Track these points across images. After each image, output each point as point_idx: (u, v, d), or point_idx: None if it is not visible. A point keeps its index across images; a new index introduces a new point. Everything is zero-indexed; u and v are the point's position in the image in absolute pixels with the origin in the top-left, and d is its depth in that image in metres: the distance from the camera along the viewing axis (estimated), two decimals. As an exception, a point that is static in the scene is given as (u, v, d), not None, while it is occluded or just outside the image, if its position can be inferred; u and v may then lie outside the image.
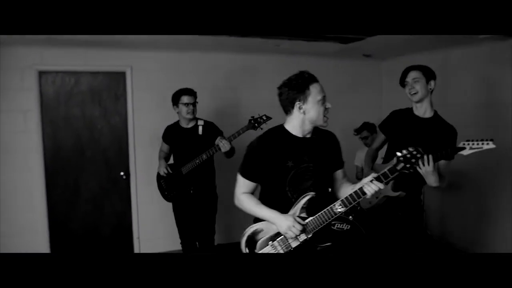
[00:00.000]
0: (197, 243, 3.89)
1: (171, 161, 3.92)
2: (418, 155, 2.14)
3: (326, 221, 2.14)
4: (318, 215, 2.15)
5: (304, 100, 2.17)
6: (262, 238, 2.24)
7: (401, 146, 2.96)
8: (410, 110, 3.10)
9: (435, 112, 3.02)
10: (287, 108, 2.22)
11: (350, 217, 4.06)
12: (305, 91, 2.18)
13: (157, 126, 4.52)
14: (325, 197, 2.25)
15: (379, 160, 3.36)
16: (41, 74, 4.33)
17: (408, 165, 2.10)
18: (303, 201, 2.16)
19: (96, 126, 4.56)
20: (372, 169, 3.17)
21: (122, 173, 4.65)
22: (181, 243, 3.92)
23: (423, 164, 2.58)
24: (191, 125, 3.75)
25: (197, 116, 3.77)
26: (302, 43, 4.28)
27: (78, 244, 4.57)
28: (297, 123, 2.22)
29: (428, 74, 3.00)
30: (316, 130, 2.30)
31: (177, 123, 3.85)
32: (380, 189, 2.08)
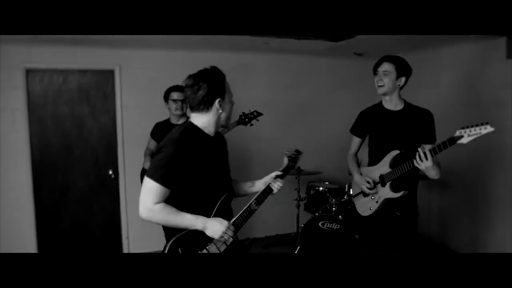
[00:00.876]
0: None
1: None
2: (298, 155, 2.54)
3: (247, 219, 2.21)
4: (240, 214, 2.19)
5: (223, 98, 2.11)
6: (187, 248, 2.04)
7: (382, 143, 2.97)
8: (379, 105, 3.07)
9: (405, 103, 2.99)
10: (204, 105, 2.07)
11: (340, 216, 4.04)
12: (224, 87, 2.12)
13: (146, 125, 4.48)
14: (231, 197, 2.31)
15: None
16: (29, 72, 4.28)
17: (293, 163, 2.50)
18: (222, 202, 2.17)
19: (85, 125, 4.52)
20: (361, 174, 3.12)
21: (111, 172, 4.61)
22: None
23: (421, 160, 2.57)
24: (181, 121, 3.74)
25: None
26: (292, 41, 4.25)
27: (67, 244, 4.54)
28: (212, 121, 2.12)
29: (401, 69, 2.92)
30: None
31: (167, 120, 3.85)
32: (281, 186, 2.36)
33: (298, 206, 4.74)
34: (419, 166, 2.62)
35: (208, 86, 2.05)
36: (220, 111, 2.10)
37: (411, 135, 2.88)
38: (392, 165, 2.85)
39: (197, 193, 2.08)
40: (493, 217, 4.17)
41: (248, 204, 2.23)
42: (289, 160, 2.49)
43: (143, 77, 4.63)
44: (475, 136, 2.45)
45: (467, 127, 2.45)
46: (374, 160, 3.05)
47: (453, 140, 2.49)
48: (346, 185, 4.33)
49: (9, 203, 4.29)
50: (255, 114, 3.59)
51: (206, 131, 2.13)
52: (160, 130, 3.82)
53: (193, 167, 2.01)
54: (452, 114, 4.21)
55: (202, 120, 2.11)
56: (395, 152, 2.85)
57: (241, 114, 3.58)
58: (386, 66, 2.90)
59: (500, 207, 4.09)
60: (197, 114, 2.12)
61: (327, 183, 4.77)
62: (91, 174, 4.58)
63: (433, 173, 2.69)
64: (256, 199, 2.28)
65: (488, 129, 2.41)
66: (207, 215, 2.07)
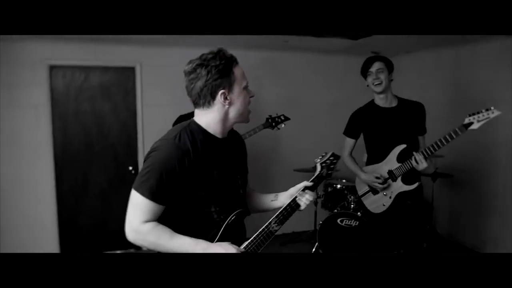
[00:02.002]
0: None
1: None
2: (335, 160, 2.03)
3: (265, 242, 1.75)
4: (255, 237, 1.74)
5: (230, 89, 1.65)
6: None
7: (383, 140, 3.03)
8: (372, 104, 3.14)
9: (398, 98, 3.09)
10: (204, 99, 1.65)
11: (359, 213, 4.04)
12: (230, 75, 1.64)
13: (165, 122, 4.52)
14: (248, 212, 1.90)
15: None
16: (52, 68, 4.37)
17: (330, 171, 2.02)
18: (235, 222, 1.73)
19: (106, 121, 4.59)
20: (364, 171, 3.20)
21: (130, 168, 4.67)
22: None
23: (417, 163, 2.67)
24: None
25: None
26: (311, 39, 4.29)
27: (86, 239, 4.60)
28: (217, 119, 1.68)
29: (390, 66, 3.05)
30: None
31: (192, 113, 3.85)
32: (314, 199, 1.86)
33: (315, 204, 4.75)
34: (417, 168, 2.70)
35: (207, 74, 1.61)
36: (227, 105, 1.66)
37: (409, 129, 3.01)
38: (400, 159, 2.92)
39: (197, 209, 1.65)
40: (505, 213, 4.16)
41: (267, 223, 1.78)
42: (322, 167, 1.97)
43: (163, 75, 4.69)
44: (484, 121, 2.50)
45: (475, 114, 2.49)
46: (375, 157, 3.13)
47: (464, 127, 2.55)
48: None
49: (32, 198, 4.36)
50: (283, 118, 3.59)
51: (211, 131, 1.69)
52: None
53: (190, 177, 1.58)
54: (455, 113, 4.21)
55: (205, 118, 1.69)
56: (402, 146, 2.93)
57: (268, 117, 3.57)
58: (378, 65, 3.01)
59: (496, 203, 4.11)
60: (199, 111, 1.71)
61: (344, 180, 4.78)
62: (111, 170, 4.65)
63: (430, 170, 2.82)
64: (277, 216, 1.79)
65: (496, 112, 2.48)
66: (211, 238, 1.65)
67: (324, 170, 1.98)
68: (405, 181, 2.98)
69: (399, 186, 2.98)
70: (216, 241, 1.65)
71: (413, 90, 4.46)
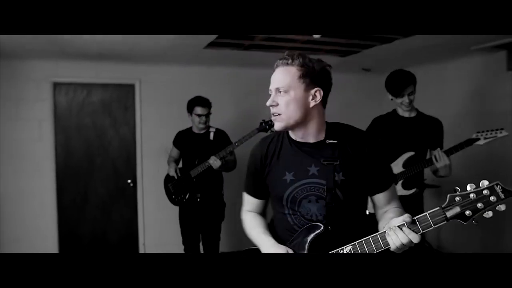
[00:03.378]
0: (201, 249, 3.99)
1: (180, 166, 4.07)
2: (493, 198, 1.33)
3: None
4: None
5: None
6: None
7: (396, 146, 3.18)
8: (394, 113, 3.28)
9: (418, 111, 3.23)
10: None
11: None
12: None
13: (163, 136, 4.74)
14: (345, 231, 1.61)
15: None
16: (56, 85, 4.58)
17: (469, 212, 1.34)
18: (309, 236, 1.58)
19: (106, 136, 4.78)
20: None
21: (129, 181, 4.83)
22: (184, 249, 4.02)
23: (437, 160, 2.81)
24: (203, 131, 3.92)
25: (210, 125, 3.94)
26: (302, 56, 4.48)
27: (86, 250, 4.73)
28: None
29: (415, 83, 3.17)
30: (332, 130, 1.67)
31: (189, 129, 4.02)
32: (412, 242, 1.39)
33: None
34: (437, 164, 2.84)
35: None
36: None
37: (422, 140, 3.13)
38: (405, 165, 3.07)
39: (276, 210, 1.76)
40: (492, 223, 4.28)
41: (337, 250, 1.54)
42: (451, 203, 1.37)
43: (161, 91, 4.90)
44: (491, 139, 2.67)
45: (483, 131, 2.66)
46: None
47: (470, 141, 2.73)
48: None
49: (33, 209, 4.52)
50: None
51: (290, 134, 1.71)
52: (182, 138, 4.02)
53: (267, 178, 1.73)
54: (455, 124, 4.37)
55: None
56: (409, 153, 3.09)
57: (261, 121, 3.73)
58: (411, 88, 3.10)
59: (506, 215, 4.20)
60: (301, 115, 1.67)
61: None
62: (111, 183, 4.82)
63: (447, 171, 2.91)
64: (353, 246, 1.52)
65: (503, 133, 2.64)
66: (289, 243, 1.66)
67: (457, 209, 1.35)
68: (405, 186, 3.14)
69: (397, 190, 3.14)
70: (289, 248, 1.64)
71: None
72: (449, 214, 1.35)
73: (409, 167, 3.07)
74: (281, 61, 1.66)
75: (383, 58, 4.53)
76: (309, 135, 1.65)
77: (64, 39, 3.56)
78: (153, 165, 4.83)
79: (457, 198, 1.35)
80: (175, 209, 4.07)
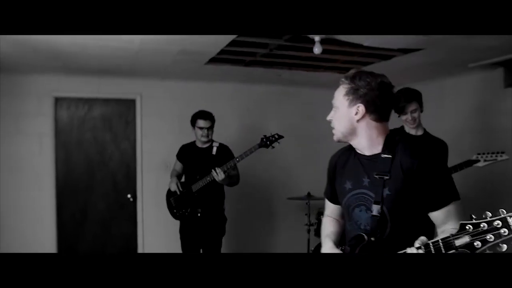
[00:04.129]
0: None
1: (183, 180, 4.08)
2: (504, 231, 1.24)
3: None
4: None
5: None
6: None
7: None
8: (401, 129, 3.32)
9: (425, 130, 3.26)
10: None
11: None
12: None
13: (163, 151, 4.77)
14: (388, 245, 1.64)
15: None
16: (57, 100, 4.62)
17: (478, 244, 1.28)
18: (357, 248, 1.65)
19: (106, 150, 4.80)
20: None
21: (129, 196, 4.83)
22: (184, 263, 4.00)
23: None
24: (206, 145, 3.94)
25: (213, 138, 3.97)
26: (301, 73, 4.54)
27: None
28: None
29: (421, 101, 3.23)
30: (391, 144, 1.71)
31: (193, 143, 4.04)
32: None
33: (308, 231, 4.88)
34: None
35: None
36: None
37: None
38: None
39: (343, 216, 1.91)
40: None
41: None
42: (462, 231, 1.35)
43: (162, 106, 4.94)
44: (490, 162, 2.70)
45: (484, 153, 2.68)
46: None
47: (470, 163, 2.74)
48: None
49: (33, 224, 4.50)
50: (276, 137, 3.76)
51: (360, 149, 1.79)
52: (185, 152, 4.04)
53: (335, 184, 1.88)
54: (455, 141, 4.40)
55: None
56: None
57: (263, 137, 3.74)
58: (414, 105, 3.16)
59: None
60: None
61: (336, 209, 4.93)
62: (111, 197, 4.82)
63: None
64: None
65: (504, 157, 2.67)
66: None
67: (466, 238, 1.31)
68: None
69: None
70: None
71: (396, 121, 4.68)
72: (457, 243, 1.31)
73: None
74: (340, 79, 1.78)
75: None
76: (364, 148, 1.75)
77: (66, 54, 3.60)
78: (153, 180, 4.84)
79: (467, 227, 1.29)
80: (175, 224, 4.06)
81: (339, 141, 1.80)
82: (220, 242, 3.92)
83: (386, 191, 1.63)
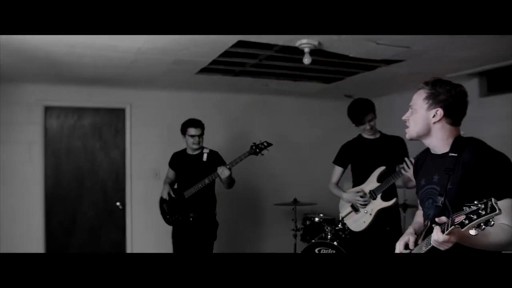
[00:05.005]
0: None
1: (176, 187, 4.15)
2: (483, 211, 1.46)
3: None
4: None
5: None
6: None
7: (366, 166, 3.43)
8: (359, 137, 3.63)
9: (381, 133, 3.57)
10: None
11: (335, 242, 4.31)
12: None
13: (153, 160, 4.86)
14: None
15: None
16: (47, 109, 4.67)
17: (466, 221, 1.49)
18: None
19: (96, 159, 4.86)
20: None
21: (118, 204, 4.89)
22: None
23: (409, 168, 3.04)
24: (196, 152, 4.03)
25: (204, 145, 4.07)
26: (288, 82, 4.70)
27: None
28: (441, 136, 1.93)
29: (374, 109, 3.49)
30: (458, 144, 1.89)
31: (184, 150, 4.13)
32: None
33: (295, 236, 5.00)
34: (407, 173, 3.06)
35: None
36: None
37: (389, 157, 3.43)
38: (379, 180, 3.31)
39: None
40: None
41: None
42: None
43: (151, 115, 5.03)
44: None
45: None
46: (358, 183, 3.51)
47: None
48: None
49: (21, 231, 4.51)
50: (265, 144, 3.87)
51: (436, 148, 1.98)
52: (177, 159, 4.13)
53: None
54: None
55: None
56: (381, 168, 3.35)
57: (252, 144, 3.85)
58: (371, 116, 3.45)
59: None
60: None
61: (321, 214, 5.06)
62: (100, 205, 4.86)
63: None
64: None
65: None
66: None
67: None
68: (384, 198, 3.35)
69: (378, 203, 3.36)
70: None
71: (385, 129, 4.87)
72: (456, 220, 1.51)
73: (383, 180, 3.33)
74: (420, 85, 1.96)
75: (366, 85, 4.77)
76: (436, 147, 1.95)
77: (61, 64, 3.67)
78: (142, 188, 4.90)
79: (465, 208, 1.50)
80: (164, 232, 4.14)
81: (411, 139, 1.99)
82: (211, 246, 4.01)
83: (449, 185, 1.83)
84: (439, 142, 1.92)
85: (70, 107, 4.77)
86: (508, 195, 1.72)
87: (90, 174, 4.83)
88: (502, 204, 1.62)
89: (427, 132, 1.92)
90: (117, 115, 4.95)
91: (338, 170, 3.70)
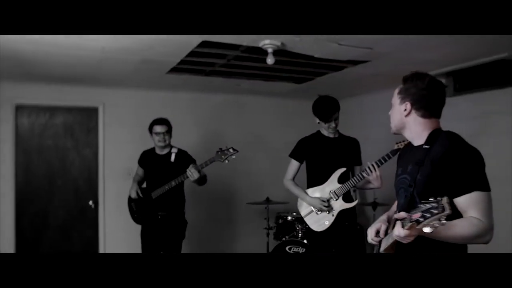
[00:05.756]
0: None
1: (145, 185, 4.19)
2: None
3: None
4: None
5: None
6: None
7: (321, 166, 3.48)
8: (318, 133, 3.66)
9: (339, 133, 3.64)
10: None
11: (305, 240, 4.37)
12: None
13: (125, 158, 4.86)
14: None
15: None
16: (18, 108, 4.65)
17: (421, 219, 1.48)
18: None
19: (68, 157, 4.85)
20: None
21: (91, 203, 4.88)
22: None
23: (371, 171, 3.11)
24: (165, 152, 4.05)
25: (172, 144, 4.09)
26: (260, 82, 4.75)
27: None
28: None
29: (339, 108, 3.54)
30: (433, 138, 1.91)
31: (153, 149, 4.15)
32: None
33: (267, 235, 5.05)
34: (369, 177, 3.13)
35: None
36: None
37: (347, 157, 3.52)
38: (340, 181, 3.36)
39: None
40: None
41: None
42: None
43: (124, 114, 5.04)
44: None
45: (403, 141, 2.96)
46: (316, 181, 3.54)
47: (394, 152, 3.05)
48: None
49: (-10, 230, 4.49)
50: (231, 151, 3.87)
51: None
52: (146, 158, 4.16)
53: None
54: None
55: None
56: (342, 169, 3.41)
57: (218, 150, 3.84)
58: (337, 114, 3.50)
59: None
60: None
61: (294, 213, 5.12)
62: (72, 204, 4.86)
63: (378, 183, 3.20)
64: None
65: None
66: None
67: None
68: (345, 200, 3.41)
69: (340, 204, 3.40)
70: None
71: (355, 129, 4.95)
72: (413, 217, 1.50)
73: (344, 182, 3.39)
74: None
75: (335, 85, 4.84)
76: (413, 139, 2.01)
77: (25, 62, 3.65)
78: (114, 187, 4.91)
79: (420, 205, 1.51)
80: (136, 230, 4.15)
81: (394, 133, 2.09)
82: (180, 245, 4.03)
83: (418, 176, 1.86)
84: (413, 134, 1.98)
85: (42, 106, 4.76)
86: (477, 188, 1.73)
87: (62, 173, 4.82)
88: (471, 197, 1.72)
89: (403, 126, 2.00)
90: (90, 114, 4.95)
91: (294, 164, 3.68)
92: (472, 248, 1.88)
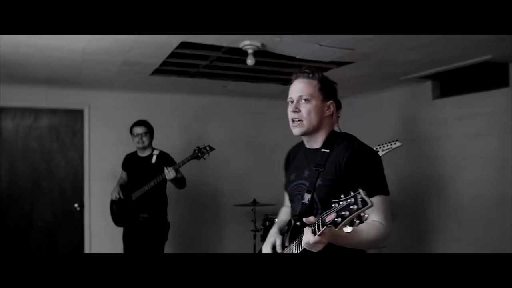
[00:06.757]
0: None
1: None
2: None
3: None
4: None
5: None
6: None
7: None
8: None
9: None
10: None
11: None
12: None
13: (111, 160, 4.82)
14: None
15: None
16: (2, 110, 4.62)
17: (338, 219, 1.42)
18: (289, 231, 1.85)
19: (53, 159, 4.82)
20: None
21: (76, 205, 4.85)
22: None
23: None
24: (146, 154, 4.05)
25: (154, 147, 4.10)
26: (246, 84, 4.73)
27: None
28: None
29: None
30: (331, 140, 1.85)
31: (135, 152, 4.17)
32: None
33: (254, 237, 5.03)
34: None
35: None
36: None
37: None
38: None
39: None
40: (434, 242, 4.57)
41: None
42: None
43: (110, 116, 5.01)
44: (387, 151, 2.96)
45: (381, 144, 2.95)
46: None
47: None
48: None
49: (-26, 234, 4.45)
50: (208, 149, 3.88)
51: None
52: (128, 161, 4.18)
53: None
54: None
55: None
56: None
57: (195, 148, 3.87)
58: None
59: (438, 229, 4.52)
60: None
61: (281, 215, 5.11)
62: (57, 207, 4.82)
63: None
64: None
65: (397, 144, 2.93)
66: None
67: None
68: None
69: None
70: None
71: (344, 131, 4.96)
72: (327, 219, 1.41)
73: None
74: (301, 74, 1.86)
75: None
76: (316, 142, 1.87)
77: (5, 64, 3.61)
78: (100, 189, 4.86)
79: (333, 205, 1.42)
80: (122, 233, 4.13)
81: (301, 135, 1.90)
82: (162, 248, 4.00)
83: (318, 181, 1.77)
84: (324, 137, 1.86)
85: (27, 108, 4.73)
86: (380, 191, 1.69)
87: (47, 175, 4.79)
88: (373, 201, 1.54)
89: (319, 127, 1.84)
90: (75, 116, 4.92)
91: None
92: (472, 248, 1.87)
